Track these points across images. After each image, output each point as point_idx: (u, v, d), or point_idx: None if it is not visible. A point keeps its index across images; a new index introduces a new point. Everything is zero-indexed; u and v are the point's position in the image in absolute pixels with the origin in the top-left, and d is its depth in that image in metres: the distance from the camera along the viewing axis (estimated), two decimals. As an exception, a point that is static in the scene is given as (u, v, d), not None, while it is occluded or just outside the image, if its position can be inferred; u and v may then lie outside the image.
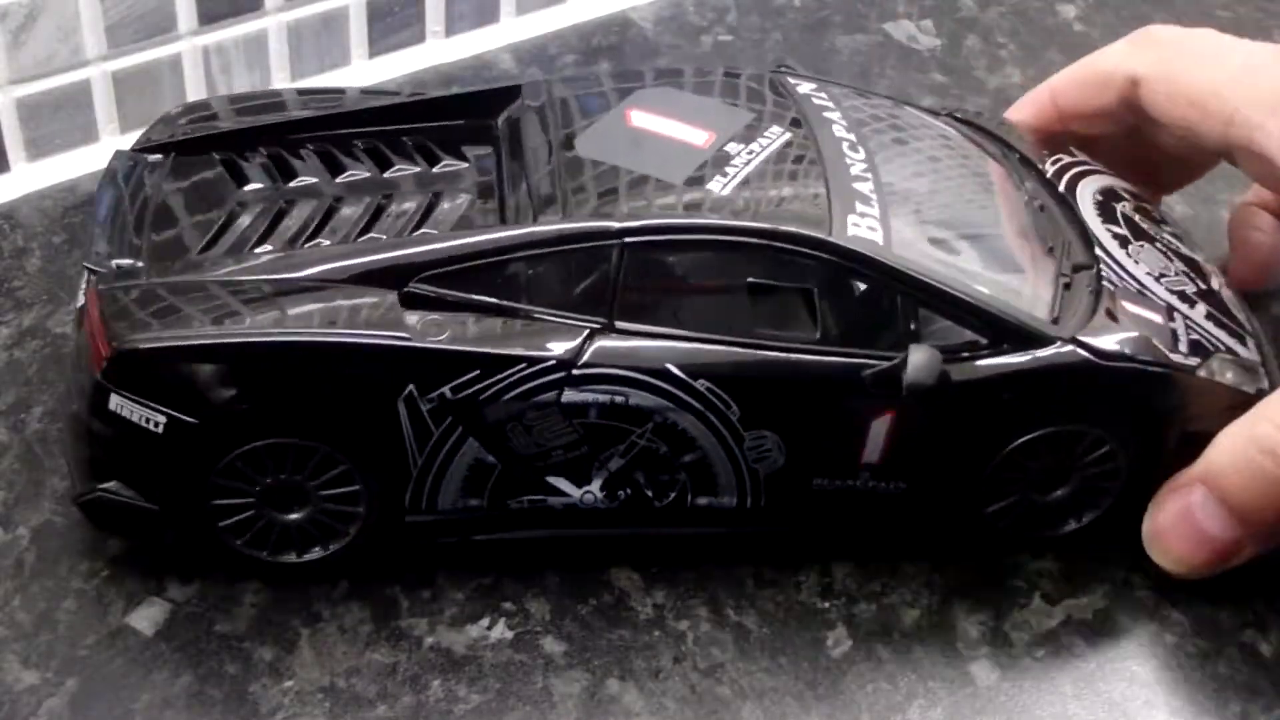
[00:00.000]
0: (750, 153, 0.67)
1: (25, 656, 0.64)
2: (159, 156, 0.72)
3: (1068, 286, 0.68)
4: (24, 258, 0.85)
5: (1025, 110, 0.81)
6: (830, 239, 0.63)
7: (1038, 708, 0.64)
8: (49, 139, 0.90)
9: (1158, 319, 0.67)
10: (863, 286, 0.64)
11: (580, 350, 0.62)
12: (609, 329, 0.63)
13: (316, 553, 0.67)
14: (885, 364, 0.63)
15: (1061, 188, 0.74)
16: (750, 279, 0.64)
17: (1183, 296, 0.70)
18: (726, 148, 0.67)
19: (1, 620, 0.65)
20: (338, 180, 0.70)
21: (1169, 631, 0.68)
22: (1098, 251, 0.70)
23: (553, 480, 0.65)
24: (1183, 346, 0.67)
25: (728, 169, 0.66)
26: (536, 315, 0.63)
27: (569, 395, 0.63)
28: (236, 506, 0.65)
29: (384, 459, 0.64)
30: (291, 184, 0.70)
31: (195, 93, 0.94)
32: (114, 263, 0.65)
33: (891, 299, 0.64)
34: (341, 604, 0.67)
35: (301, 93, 0.78)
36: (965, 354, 0.64)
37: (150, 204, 0.69)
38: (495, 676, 0.64)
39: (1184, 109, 0.73)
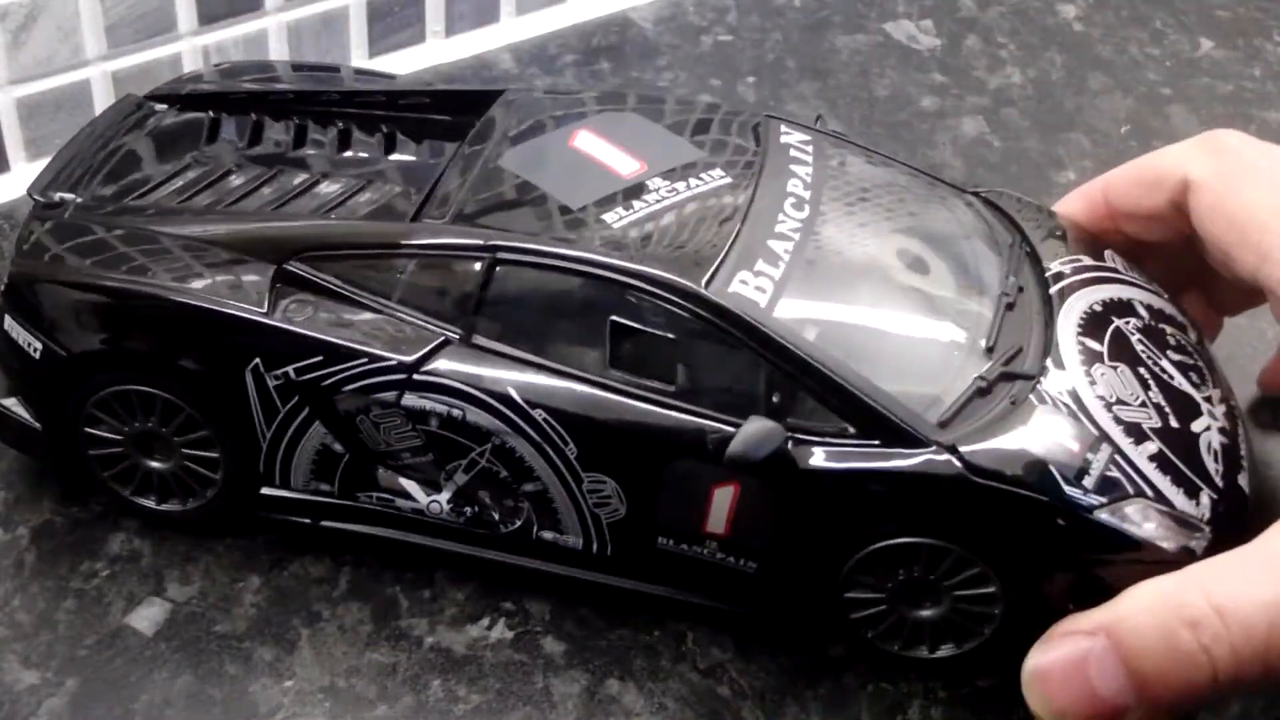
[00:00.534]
0: (672, 190, 0.65)
1: (25, 656, 0.64)
2: (164, 107, 0.76)
3: (983, 391, 0.62)
4: (24, 258, 0.85)
5: (1077, 204, 0.74)
6: (700, 291, 0.61)
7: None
8: (49, 139, 0.90)
9: (1073, 446, 0.61)
10: (733, 348, 0.61)
11: (426, 358, 0.62)
12: (465, 342, 0.63)
13: (174, 505, 0.68)
14: (729, 430, 0.60)
15: (1059, 289, 0.67)
16: (615, 318, 0.62)
17: (1132, 429, 0.62)
18: (649, 181, 0.66)
19: (1, 620, 0.65)
20: (293, 153, 0.73)
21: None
22: (1048, 362, 0.64)
23: (403, 482, 0.66)
24: (1089, 482, 0.60)
25: (635, 203, 0.64)
26: (400, 315, 0.64)
27: (409, 400, 0.63)
28: (107, 441, 0.67)
29: (235, 425, 0.65)
30: (252, 149, 0.73)
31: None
32: (56, 195, 0.69)
33: (761, 365, 0.61)
34: (341, 604, 0.67)
35: (352, 71, 0.84)
36: (828, 440, 0.61)
37: (122, 149, 0.72)
38: (495, 676, 0.64)
39: (1223, 227, 0.66)
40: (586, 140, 0.68)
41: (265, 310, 0.63)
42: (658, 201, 0.65)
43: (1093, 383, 0.63)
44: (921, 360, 0.63)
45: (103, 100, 0.90)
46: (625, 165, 0.67)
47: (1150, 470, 0.61)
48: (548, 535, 0.66)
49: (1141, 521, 0.60)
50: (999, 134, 1.00)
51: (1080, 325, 0.66)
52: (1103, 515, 0.60)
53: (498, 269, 0.63)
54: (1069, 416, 0.62)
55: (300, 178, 0.71)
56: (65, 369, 0.65)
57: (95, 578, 0.67)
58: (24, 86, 0.88)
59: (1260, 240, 0.64)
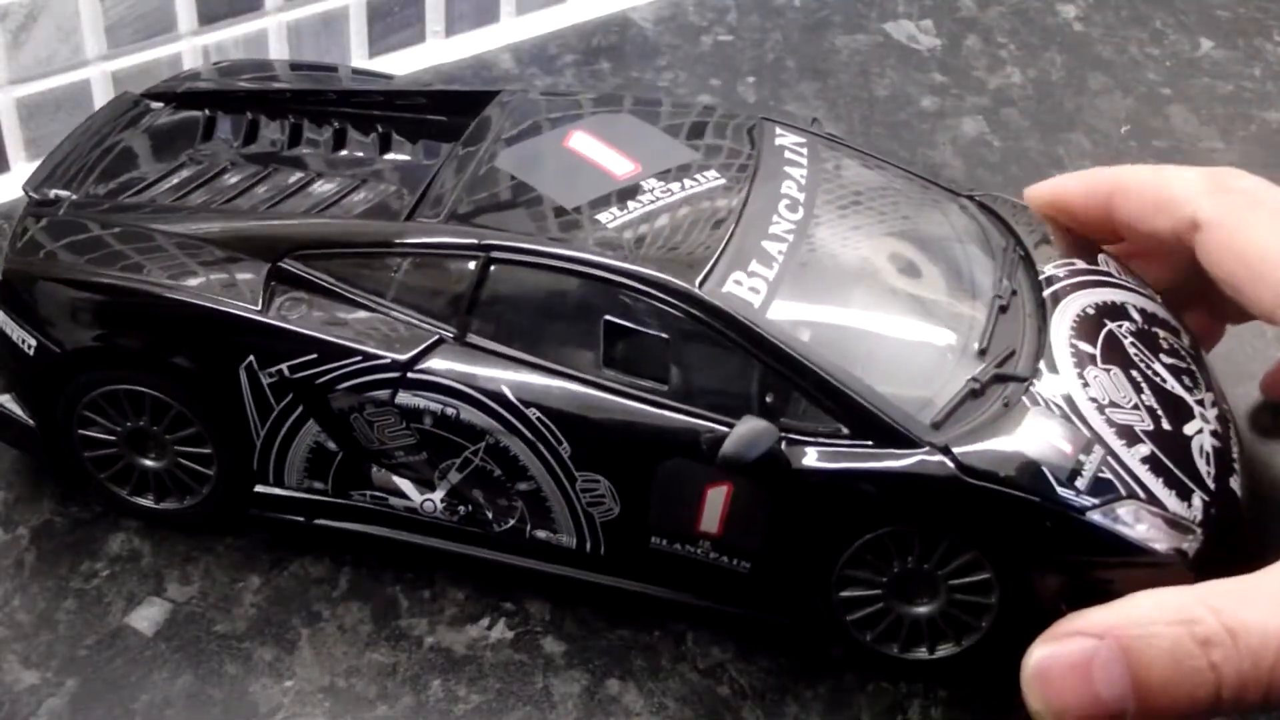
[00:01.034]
0: (667, 191, 0.65)
1: (25, 656, 0.64)
2: (160, 105, 0.76)
3: (976, 393, 0.62)
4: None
5: (1076, 189, 0.73)
6: (694, 291, 0.61)
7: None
8: (49, 139, 0.89)
9: (1066, 448, 0.61)
10: (727, 348, 0.61)
11: (420, 356, 0.62)
12: (459, 340, 0.63)
13: (171, 503, 0.68)
14: (722, 431, 0.60)
15: (1053, 293, 0.67)
16: (609, 318, 0.62)
17: (1124, 432, 0.62)
18: (644, 182, 0.66)
19: (1, 620, 0.65)
20: (288, 152, 0.73)
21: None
22: (1041, 365, 0.64)
23: (397, 480, 0.66)
24: (1081, 483, 0.60)
25: (630, 204, 0.64)
26: (394, 313, 0.64)
27: (403, 398, 0.63)
28: (101, 441, 0.67)
29: (229, 422, 0.65)
30: (247, 148, 0.74)
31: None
32: (51, 192, 0.69)
33: (754, 366, 0.61)
34: (341, 604, 0.67)
35: (350, 71, 0.84)
36: (821, 440, 0.61)
37: (117, 146, 0.73)
38: (495, 676, 0.64)
39: (1234, 264, 0.66)
40: (581, 141, 0.68)
41: (259, 308, 0.63)
42: (652, 202, 0.65)
43: (1085, 385, 0.63)
44: (915, 362, 0.63)
45: (103, 100, 0.90)
46: (620, 166, 0.67)
47: (1142, 472, 0.61)
48: (541, 534, 0.66)
49: (1134, 523, 0.60)
50: (999, 134, 1.00)
51: (1073, 328, 0.66)
52: (1095, 516, 0.60)
53: (492, 268, 0.63)
54: (1062, 418, 0.62)
55: (295, 176, 0.72)
56: (59, 365, 0.65)
57: (95, 578, 0.67)
58: (24, 86, 0.88)
59: (1273, 278, 0.64)
